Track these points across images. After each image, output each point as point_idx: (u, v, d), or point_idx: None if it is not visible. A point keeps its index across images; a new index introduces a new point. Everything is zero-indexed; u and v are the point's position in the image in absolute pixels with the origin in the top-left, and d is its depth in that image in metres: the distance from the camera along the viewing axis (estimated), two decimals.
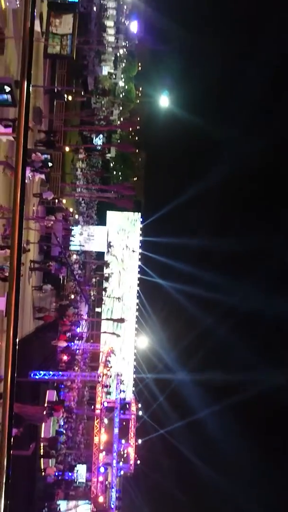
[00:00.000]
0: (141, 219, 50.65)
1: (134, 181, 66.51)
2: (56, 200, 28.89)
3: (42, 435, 27.47)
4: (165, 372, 55.99)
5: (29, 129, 4.10)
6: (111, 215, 49.11)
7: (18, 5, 15.60)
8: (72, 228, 36.66)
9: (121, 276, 49.99)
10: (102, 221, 50.27)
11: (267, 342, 56.67)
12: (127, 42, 54.26)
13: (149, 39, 63.17)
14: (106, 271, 50.33)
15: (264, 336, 56.81)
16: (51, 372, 25.81)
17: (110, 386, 38.94)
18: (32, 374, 23.86)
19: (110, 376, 39.89)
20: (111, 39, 50.28)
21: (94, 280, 52.67)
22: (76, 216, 39.64)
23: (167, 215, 55.68)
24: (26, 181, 2.35)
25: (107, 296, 49.21)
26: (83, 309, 44.39)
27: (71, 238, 36.22)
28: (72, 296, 36.61)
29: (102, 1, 44.47)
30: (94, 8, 39.13)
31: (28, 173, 18.76)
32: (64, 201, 32.93)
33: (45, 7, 24.17)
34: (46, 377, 25.33)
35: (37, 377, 24.39)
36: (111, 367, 40.23)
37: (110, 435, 37.96)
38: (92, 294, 50.90)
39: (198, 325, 56.70)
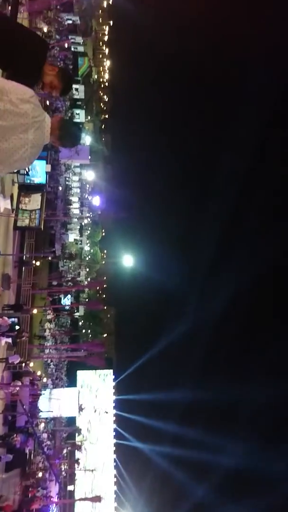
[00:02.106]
0: (113, 376, 48.74)
1: (104, 337, 66.13)
2: (23, 364, 27.78)
3: None
4: None
5: None
6: (81, 374, 47.12)
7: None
8: (41, 392, 34.50)
9: (94, 444, 45.44)
10: (72, 382, 47.85)
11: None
12: (90, 213, 60.46)
13: (110, 209, 70.90)
14: (78, 438, 45.81)
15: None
16: None
17: None
18: None
19: None
20: (76, 211, 56.00)
21: (65, 451, 47.41)
22: (45, 379, 37.68)
23: (140, 370, 54.20)
24: None
25: (80, 469, 43.73)
26: (52, 489, 38.71)
27: (39, 404, 33.72)
28: (40, 474, 32.24)
29: (67, 182, 50.82)
30: (60, 188, 44.50)
31: None
32: (31, 364, 31.69)
33: (16, 189, 27.17)
34: None
35: None
36: None
37: None
38: (63, 469, 45.15)
39: (188, 494, 50.22)
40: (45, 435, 36.84)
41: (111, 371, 48.94)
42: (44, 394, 36.52)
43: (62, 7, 37.68)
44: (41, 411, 35.07)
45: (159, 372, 58.39)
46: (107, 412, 45.84)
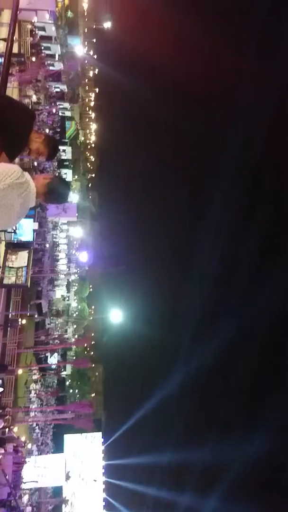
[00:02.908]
0: (102, 440, 46.33)
1: (92, 397, 63.69)
2: (7, 429, 26.40)
3: None
4: None
5: None
6: (68, 438, 44.66)
7: None
8: (25, 460, 32.51)
9: None
10: (59, 447, 45.23)
11: None
12: (78, 269, 60.57)
13: (98, 264, 71.19)
14: (64, 510, 42.62)
15: None
16: None
17: None
18: None
19: None
20: (63, 267, 56.07)
21: None
22: (29, 445, 35.67)
23: (131, 431, 51.79)
24: None
25: None
26: None
27: (23, 474, 31.67)
28: None
29: (54, 239, 51.36)
30: (47, 245, 44.86)
31: None
32: (15, 429, 30.10)
33: (3, 247, 27.29)
34: None
35: None
36: None
37: None
38: None
39: None
40: (29, 509, 34.26)
41: (99, 433, 46.64)
42: (28, 461, 34.42)
43: (51, 77, 40.14)
44: (25, 482, 32.88)
45: (151, 433, 55.90)
46: (95, 481, 43.08)
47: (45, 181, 4.33)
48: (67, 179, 59.41)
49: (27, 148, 4.72)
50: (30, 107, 34.06)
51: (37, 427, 39.74)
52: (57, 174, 49.82)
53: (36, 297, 41.23)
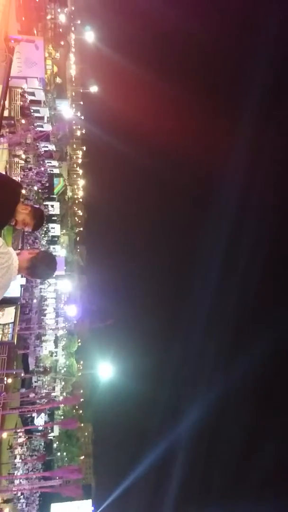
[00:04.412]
0: (92, 508, 43.27)
1: (82, 459, 60.27)
2: None
3: None
4: None
5: None
6: (56, 508, 41.63)
7: None
8: None
9: None
10: None
11: None
12: (66, 323, 59.45)
13: (86, 318, 70.21)
14: None
15: None
16: None
17: None
18: None
19: None
20: (51, 322, 54.97)
21: None
22: None
23: (122, 497, 48.65)
24: None
25: None
26: None
27: None
28: None
29: (42, 293, 50.75)
30: (35, 300, 44.26)
31: None
32: None
33: None
34: None
35: None
36: None
37: None
38: None
39: None
40: None
41: (89, 501, 43.69)
42: None
43: (40, 138, 41.62)
44: None
45: (145, 497, 52.60)
46: None
47: (29, 256, 4.35)
48: (54, 234, 59.96)
49: (13, 219, 4.83)
50: (19, 166, 35.03)
51: (22, 496, 36.99)
52: (44, 230, 50.39)
53: (23, 354, 40.01)
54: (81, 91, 74.61)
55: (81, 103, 77.83)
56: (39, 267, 4.39)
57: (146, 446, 54.07)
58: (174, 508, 50.67)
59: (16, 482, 34.99)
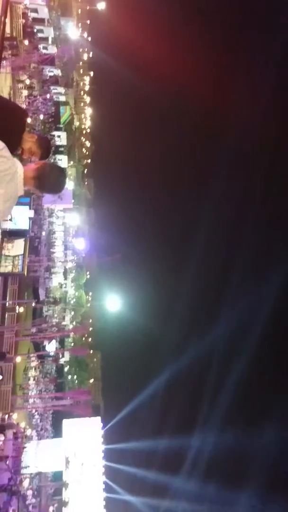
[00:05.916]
0: (101, 424, 46.80)
1: (91, 383, 64.20)
2: (6, 416, 26.58)
3: None
4: None
5: None
6: (67, 424, 45.07)
7: None
8: (25, 446, 32.80)
9: (82, 498, 42.90)
10: (58, 432, 45.71)
11: None
12: (75, 256, 60.35)
13: (95, 252, 71.05)
14: (65, 494, 43.25)
15: None
16: None
17: None
18: None
19: None
20: (60, 255, 55.83)
21: (52, 509, 44.63)
22: (29, 431, 35.96)
23: (129, 416, 52.33)
24: None
25: None
26: None
27: (23, 459, 31.99)
28: None
29: (50, 227, 51.01)
30: (44, 233, 44.55)
31: None
32: (15, 415, 30.30)
33: None
34: None
35: None
36: None
37: None
38: None
39: None
40: (30, 492, 34.70)
41: (98, 418, 47.12)
42: (28, 447, 34.75)
43: (44, 61, 39.33)
44: (25, 467, 33.24)
45: (149, 418, 56.58)
46: (95, 465, 43.65)
47: (35, 166, 4.02)
48: (62, 166, 58.76)
49: (19, 147, 4.62)
50: (24, 92, 33.43)
51: (36, 413, 40.04)
52: (51, 161, 49.30)
53: (33, 285, 41.14)
54: (88, 8, 68.91)
55: (88, 22, 72.25)
56: (48, 177, 4.04)
57: (152, 372, 57.14)
58: (175, 428, 54.60)
59: (31, 401, 37.71)
